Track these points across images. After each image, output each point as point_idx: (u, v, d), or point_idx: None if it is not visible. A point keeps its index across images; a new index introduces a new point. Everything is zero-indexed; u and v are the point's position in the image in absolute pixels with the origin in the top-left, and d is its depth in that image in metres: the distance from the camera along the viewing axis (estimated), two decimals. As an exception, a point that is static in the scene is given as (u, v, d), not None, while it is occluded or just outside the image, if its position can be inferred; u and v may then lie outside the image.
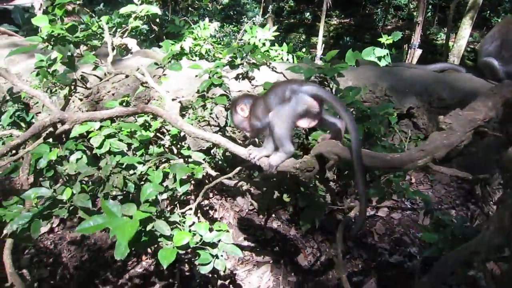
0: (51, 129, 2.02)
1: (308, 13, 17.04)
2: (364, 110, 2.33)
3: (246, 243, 3.90)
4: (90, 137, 2.33)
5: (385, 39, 6.75)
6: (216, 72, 2.69)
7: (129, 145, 2.40)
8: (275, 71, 2.99)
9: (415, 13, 15.63)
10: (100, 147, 2.21)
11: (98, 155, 2.35)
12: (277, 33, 6.23)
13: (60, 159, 2.31)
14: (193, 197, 3.44)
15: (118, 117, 1.88)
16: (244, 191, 4.35)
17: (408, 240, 3.88)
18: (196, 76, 2.78)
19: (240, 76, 2.92)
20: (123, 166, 2.24)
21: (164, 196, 2.23)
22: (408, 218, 4.12)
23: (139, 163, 2.38)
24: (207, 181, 2.91)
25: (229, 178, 2.35)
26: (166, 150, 2.77)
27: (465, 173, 3.02)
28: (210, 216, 4.07)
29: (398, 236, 3.92)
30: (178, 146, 2.89)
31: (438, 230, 2.74)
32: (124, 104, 2.86)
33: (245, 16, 14.70)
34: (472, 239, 1.96)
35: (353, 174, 1.74)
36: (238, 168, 2.24)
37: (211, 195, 4.27)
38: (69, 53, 2.36)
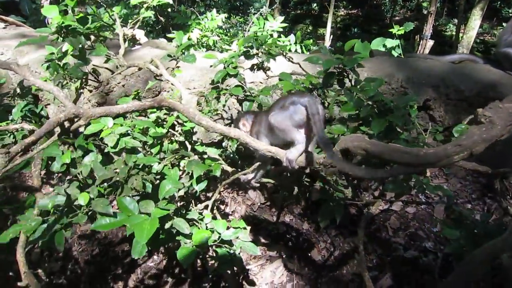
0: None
1: (315, 4, 16.80)
2: (386, 104, 2.22)
3: (258, 238, 3.83)
4: (101, 135, 2.26)
5: (396, 30, 6.58)
6: (232, 62, 2.59)
7: (142, 142, 2.32)
8: (292, 61, 2.88)
9: (424, 4, 15.38)
10: (115, 146, 2.13)
11: (110, 154, 2.28)
12: (285, 24, 6.11)
13: (73, 161, 2.24)
14: (205, 193, 3.38)
15: (134, 111, 1.80)
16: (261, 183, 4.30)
17: (423, 235, 3.79)
18: (211, 66, 2.69)
19: (255, 66, 2.82)
20: (140, 166, 2.17)
21: (181, 193, 2.16)
22: (423, 212, 4.03)
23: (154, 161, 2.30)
24: (222, 176, 2.84)
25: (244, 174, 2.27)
26: (179, 146, 2.69)
27: (485, 167, 2.93)
28: (222, 210, 4.00)
29: (413, 230, 3.83)
30: (192, 141, 2.81)
31: (459, 225, 2.65)
32: (136, 98, 2.78)
33: (252, 7, 14.51)
34: (497, 236, 1.88)
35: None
36: (257, 164, 2.15)
37: (221, 188, 4.20)
38: (80, 45, 2.27)
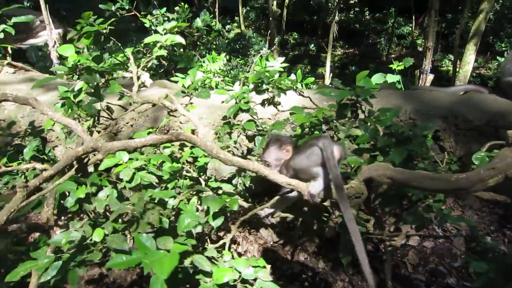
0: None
1: (312, 45, 17.32)
2: (403, 132, 2.20)
3: (272, 278, 3.67)
4: (116, 170, 2.21)
5: (396, 65, 6.72)
6: (243, 97, 2.59)
7: (158, 177, 2.27)
8: (302, 95, 2.89)
9: (418, 41, 15.86)
10: (130, 180, 2.08)
11: (126, 189, 2.23)
12: (285, 64, 6.25)
13: (87, 196, 2.18)
14: (216, 232, 3.28)
15: (152, 145, 1.77)
16: (268, 223, 4.19)
17: (445, 270, 3.64)
18: (223, 102, 2.69)
19: (266, 101, 2.82)
20: (155, 201, 2.11)
21: (199, 229, 2.08)
22: (441, 247, 3.89)
23: (171, 197, 2.25)
24: (236, 213, 2.77)
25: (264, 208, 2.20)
26: (193, 182, 2.65)
27: (504, 196, 2.85)
28: (234, 250, 3.87)
29: (433, 266, 3.69)
30: (206, 177, 2.76)
31: (486, 258, 2.55)
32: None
33: (251, 49, 14.93)
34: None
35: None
36: (277, 198, 2.09)
37: (233, 227, 4.09)
38: (95, 83, 2.28)
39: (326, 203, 2.14)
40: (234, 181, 3.70)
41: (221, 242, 2.22)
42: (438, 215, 2.69)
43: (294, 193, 2.21)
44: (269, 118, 3.83)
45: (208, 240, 2.58)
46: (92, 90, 2.26)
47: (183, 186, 2.39)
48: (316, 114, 2.56)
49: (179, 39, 2.69)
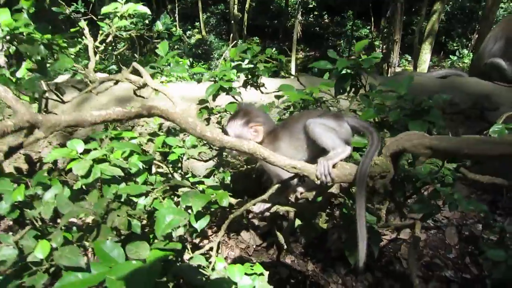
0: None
1: (274, 48, 17.11)
2: (421, 102, 1.85)
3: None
4: (68, 166, 1.69)
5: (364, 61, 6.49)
6: (225, 75, 2.15)
7: (124, 171, 1.77)
8: (291, 74, 2.49)
9: (376, 43, 16.07)
10: (86, 175, 1.57)
11: (84, 189, 1.71)
12: (250, 65, 5.93)
13: (29, 199, 1.65)
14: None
15: (116, 120, 1.29)
16: (248, 224, 3.74)
17: (441, 263, 3.35)
18: (198, 82, 2.23)
19: (249, 82, 2.39)
20: (122, 200, 1.61)
21: (180, 232, 1.60)
22: (434, 238, 3.62)
23: (140, 195, 1.76)
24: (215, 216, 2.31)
25: (264, 201, 1.75)
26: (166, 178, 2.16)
27: (501, 179, 2.58)
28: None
29: (428, 259, 3.39)
30: (181, 173, 2.29)
31: (503, 246, 2.24)
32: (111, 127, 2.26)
33: (214, 53, 14.50)
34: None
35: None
36: (276, 186, 1.66)
37: (209, 232, 3.60)
38: (38, 57, 1.76)
39: (334, 189, 1.73)
40: (211, 179, 3.24)
41: (207, 246, 1.75)
42: (448, 200, 2.38)
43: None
44: (254, 103, 3.41)
45: (189, 246, 2.10)
46: (35, 66, 1.73)
47: (156, 182, 1.91)
48: (311, 90, 2.16)
49: (143, 9, 2.21)
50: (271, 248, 3.53)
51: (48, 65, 1.80)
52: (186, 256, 1.89)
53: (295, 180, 1.77)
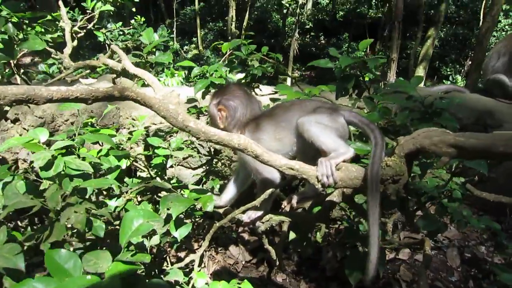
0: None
1: (270, 67, 17.05)
2: (432, 104, 1.64)
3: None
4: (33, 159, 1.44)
5: (318, 88, 6.40)
6: (216, 70, 1.93)
7: (95, 167, 1.52)
8: (289, 76, 2.28)
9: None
10: (46, 167, 1.32)
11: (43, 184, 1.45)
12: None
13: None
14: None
15: (79, 100, 1.05)
16: (237, 238, 3.46)
17: (443, 287, 3.08)
18: (190, 78, 2.00)
19: (244, 81, 2.17)
20: (86, 196, 1.35)
21: (155, 241, 1.34)
22: (435, 259, 3.36)
23: (112, 197, 1.51)
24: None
25: (255, 208, 1.50)
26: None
27: (509, 198, 2.37)
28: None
29: (429, 282, 3.12)
30: (165, 177, 2.05)
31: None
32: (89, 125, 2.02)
33: (210, 68, 14.34)
34: None
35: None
36: (270, 191, 1.41)
37: (196, 245, 3.31)
38: (5, 36, 1.53)
39: (336, 197, 1.49)
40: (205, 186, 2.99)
41: (187, 259, 1.48)
42: (456, 217, 2.15)
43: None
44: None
45: (168, 259, 1.84)
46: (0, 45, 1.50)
47: (132, 183, 1.65)
48: (310, 91, 1.94)
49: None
50: (261, 264, 3.24)
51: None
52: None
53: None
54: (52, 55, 1.80)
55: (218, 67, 1.95)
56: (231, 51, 2.59)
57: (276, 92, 2.13)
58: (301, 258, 3.27)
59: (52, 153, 1.30)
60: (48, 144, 1.48)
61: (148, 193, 1.56)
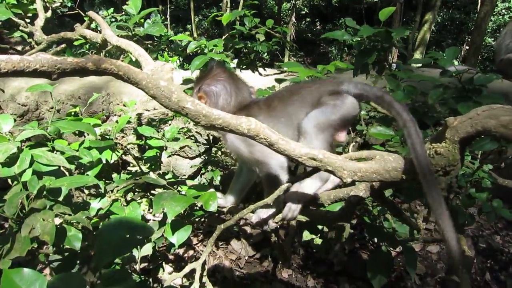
0: None
1: (266, 54, 16.68)
2: (471, 79, 1.39)
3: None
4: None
5: (332, 64, 6.16)
6: (215, 45, 1.65)
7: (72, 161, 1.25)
8: (297, 51, 1.99)
9: (367, 50, 15.78)
10: (9, 163, 1.05)
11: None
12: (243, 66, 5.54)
13: None
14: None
15: (38, 74, 0.78)
16: (239, 232, 3.22)
17: (458, 280, 2.86)
18: (188, 53, 1.73)
19: (244, 61, 1.90)
20: (60, 198, 1.08)
21: (147, 249, 1.08)
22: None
23: (97, 196, 1.25)
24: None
25: (268, 206, 1.25)
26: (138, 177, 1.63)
27: None
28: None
29: (443, 275, 2.91)
30: (159, 173, 1.78)
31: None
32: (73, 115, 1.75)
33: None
34: None
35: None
36: (285, 186, 1.15)
37: (194, 240, 3.07)
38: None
39: (362, 192, 1.24)
40: (196, 179, 2.73)
41: (186, 268, 1.23)
42: (485, 209, 1.92)
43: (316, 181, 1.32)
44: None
45: (164, 263, 1.58)
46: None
47: (119, 180, 1.39)
48: (323, 68, 1.67)
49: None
50: (265, 260, 3.01)
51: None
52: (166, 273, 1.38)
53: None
54: (21, 27, 1.52)
55: (218, 42, 1.68)
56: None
57: (281, 72, 1.85)
58: (308, 252, 3.04)
59: (17, 145, 1.03)
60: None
61: (139, 191, 1.30)
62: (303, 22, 17.66)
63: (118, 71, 0.91)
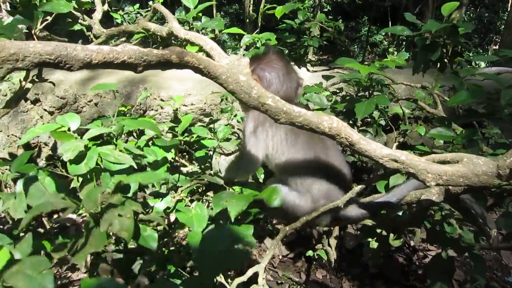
0: None
1: (287, 51, 16.56)
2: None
3: (285, 305, 2.66)
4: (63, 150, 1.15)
5: (391, 59, 5.92)
6: (269, 38, 1.60)
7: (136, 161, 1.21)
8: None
9: (390, 49, 15.46)
10: (77, 160, 1.02)
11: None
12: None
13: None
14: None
15: (127, 66, 0.74)
16: (273, 231, 3.17)
17: (498, 287, 2.76)
18: (241, 47, 1.69)
19: (293, 52, 1.84)
20: (128, 195, 1.05)
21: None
22: (488, 257, 3.03)
23: (156, 196, 1.21)
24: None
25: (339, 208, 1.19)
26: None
27: None
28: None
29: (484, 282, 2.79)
30: (211, 173, 1.75)
31: None
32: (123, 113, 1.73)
33: (227, 53, 14.00)
34: None
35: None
36: (359, 188, 1.09)
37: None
38: (24, -5, 1.22)
39: (435, 196, 1.16)
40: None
41: (249, 272, 1.18)
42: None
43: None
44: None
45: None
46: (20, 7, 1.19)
47: (180, 181, 1.35)
48: (381, 65, 1.60)
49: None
50: (298, 260, 2.96)
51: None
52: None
53: None
54: (80, 21, 1.50)
55: (271, 35, 1.62)
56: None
57: (329, 69, 1.78)
58: (341, 253, 2.97)
59: (85, 143, 1.00)
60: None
61: (198, 192, 1.26)
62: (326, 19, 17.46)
63: (199, 65, 0.86)
